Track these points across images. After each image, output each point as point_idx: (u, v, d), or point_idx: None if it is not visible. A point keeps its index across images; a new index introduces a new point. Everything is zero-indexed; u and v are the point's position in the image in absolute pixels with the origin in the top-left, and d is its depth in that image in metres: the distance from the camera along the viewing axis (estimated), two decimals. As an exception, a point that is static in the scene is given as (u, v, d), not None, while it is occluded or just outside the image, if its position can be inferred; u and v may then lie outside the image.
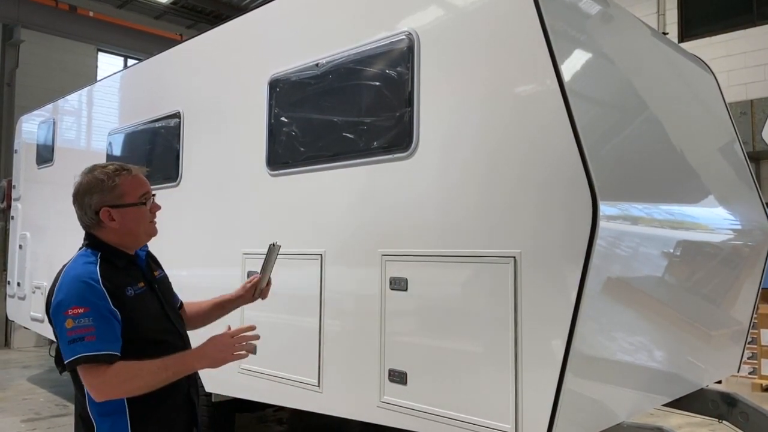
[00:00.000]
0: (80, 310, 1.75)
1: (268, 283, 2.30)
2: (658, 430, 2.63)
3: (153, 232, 2.02)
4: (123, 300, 1.85)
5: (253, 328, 1.97)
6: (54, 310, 1.81)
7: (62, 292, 1.81)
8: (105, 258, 1.90)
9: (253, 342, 1.93)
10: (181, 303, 2.27)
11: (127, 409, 1.83)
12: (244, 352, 1.90)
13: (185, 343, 2.05)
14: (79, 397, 1.88)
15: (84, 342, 1.74)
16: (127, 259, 1.97)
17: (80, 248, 1.98)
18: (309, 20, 3.55)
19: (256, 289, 2.27)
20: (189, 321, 2.26)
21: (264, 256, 2.22)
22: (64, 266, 1.93)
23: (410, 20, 2.96)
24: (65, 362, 1.78)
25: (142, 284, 1.96)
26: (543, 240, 2.37)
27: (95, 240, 1.95)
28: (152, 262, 2.15)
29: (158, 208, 2.02)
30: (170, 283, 2.21)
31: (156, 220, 2.02)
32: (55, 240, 6.25)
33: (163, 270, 2.18)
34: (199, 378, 2.19)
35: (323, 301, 3.22)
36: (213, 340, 1.89)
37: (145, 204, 1.97)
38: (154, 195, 2.03)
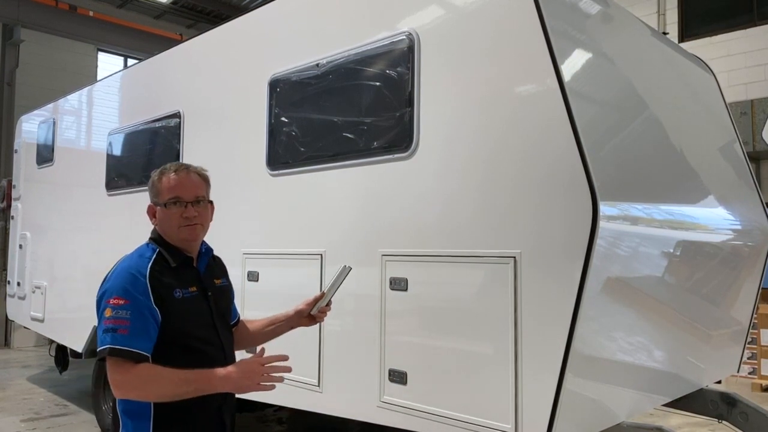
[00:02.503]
0: (121, 302, 1.76)
1: (328, 305, 2.22)
2: (658, 430, 2.64)
3: (184, 236, 1.94)
4: (168, 301, 1.83)
5: (285, 358, 1.86)
6: (99, 297, 1.83)
7: (110, 281, 1.83)
8: (161, 255, 1.91)
9: (282, 374, 1.82)
10: (238, 319, 2.22)
11: (151, 416, 1.80)
12: (270, 383, 1.80)
13: (226, 359, 1.96)
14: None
15: (116, 334, 1.73)
16: (182, 259, 1.95)
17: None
18: (309, 20, 3.55)
19: (314, 308, 2.19)
20: (240, 340, 2.21)
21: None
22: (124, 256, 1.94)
23: (410, 20, 2.96)
24: (97, 351, 1.77)
25: (193, 289, 1.92)
26: (543, 240, 2.37)
27: (157, 234, 1.98)
28: (217, 268, 2.11)
29: (192, 214, 1.94)
30: (232, 294, 2.16)
31: (193, 225, 1.94)
32: (55, 240, 6.26)
33: (228, 279, 2.14)
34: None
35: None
36: (241, 365, 1.80)
37: (166, 206, 1.93)
38: (197, 201, 1.96)
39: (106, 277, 1.87)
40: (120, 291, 1.77)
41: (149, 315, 1.78)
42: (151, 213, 1.99)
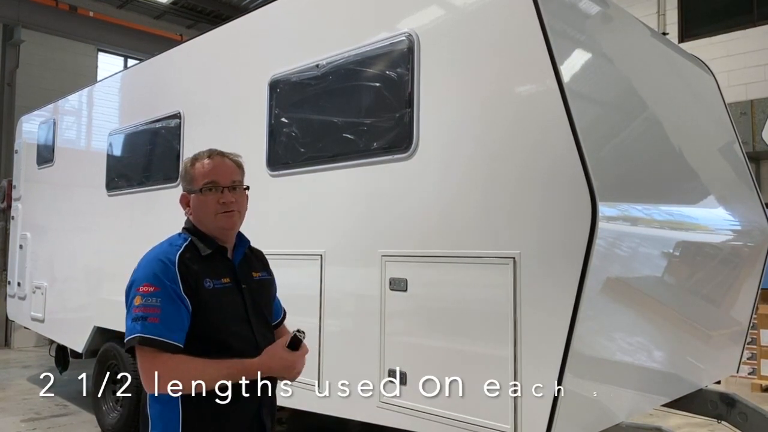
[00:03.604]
0: (150, 289, 1.67)
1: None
2: (657, 430, 2.64)
3: (221, 224, 1.85)
4: (198, 290, 1.73)
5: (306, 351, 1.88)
6: (128, 289, 1.74)
7: (138, 271, 1.75)
8: (192, 243, 1.82)
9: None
10: (284, 316, 2.10)
11: (180, 420, 1.70)
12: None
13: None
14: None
15: (146, 323, 1.63)
16: (215, 248, 1.85)
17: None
18: (309, 21, 3.56)
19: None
20: None
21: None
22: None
23: (410, 21, 2.96)
24: (125, 340, 1.67)
25: (227, 280, 1.82)
26: (542, 241, 2.38)
27: (190, 224, 1.89)
28: (255, 260, 2.01)
29: (229, 199, 1.86)
30: (273, 289, 2.05)
31: (230, 212, 1.86)
32: (55, 240, 6.26)
33: (269, 274, 2.03)
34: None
35: (323, 301, 3.23)
36: (282, 361, 1.77)
37: (202, 192, 1.84)
38: (233, 187, 1.89)
39: (134, 269, 1.78)
40: (150, 278, 1.69)
41: (180, 303, 1.68)
42: (185, 202, 1.89)
